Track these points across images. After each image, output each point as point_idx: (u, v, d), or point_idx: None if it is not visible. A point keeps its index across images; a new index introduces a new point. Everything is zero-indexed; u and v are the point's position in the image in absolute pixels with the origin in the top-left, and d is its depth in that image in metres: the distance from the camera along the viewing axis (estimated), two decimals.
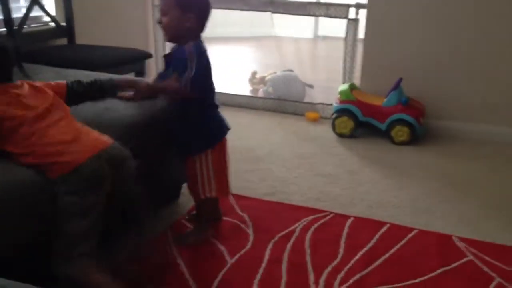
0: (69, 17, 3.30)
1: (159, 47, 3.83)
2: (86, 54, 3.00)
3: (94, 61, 2.80)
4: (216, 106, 1.94)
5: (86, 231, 1.44)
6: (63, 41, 3.35)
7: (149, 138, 1.88)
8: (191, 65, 1.74)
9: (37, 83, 1.61)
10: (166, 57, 1.89)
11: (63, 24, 3.32)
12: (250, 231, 2.05)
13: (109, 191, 1.48)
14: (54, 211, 1.42)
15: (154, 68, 3.86)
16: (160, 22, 1.81)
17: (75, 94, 1.70)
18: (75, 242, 1.42)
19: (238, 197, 2.30)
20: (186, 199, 2.29)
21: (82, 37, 3.34)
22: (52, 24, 3.31)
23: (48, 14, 3.26)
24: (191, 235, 2.01)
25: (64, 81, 1.73)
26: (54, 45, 3.32)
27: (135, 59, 3.14)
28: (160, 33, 3.80)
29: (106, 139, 1.52)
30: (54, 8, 3.42)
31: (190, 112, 1.86)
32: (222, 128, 1.95)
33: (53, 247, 1.43)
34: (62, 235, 1.42)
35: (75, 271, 1.42)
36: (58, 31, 3.31)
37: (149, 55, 3.25)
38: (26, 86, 1.55)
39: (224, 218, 2.13)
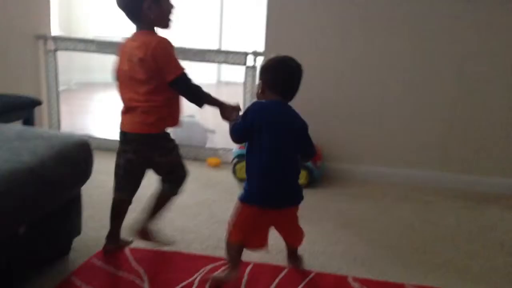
0: None
1: (52, 94, 3.67)
2: None
3: None
4: (260, 173, 1.91)
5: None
6: None
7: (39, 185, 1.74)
8: (240, 116, 1.94)
9: None
10: None
11: None
12: (145, 286, 1.96)
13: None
14: None
15: (46, 115, 3.69)
16: None
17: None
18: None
19: (133, 250, 2.20)
20: (77, 255, 2.15)
21: None
22: None
23: None
24: (222, 275, 2.00)
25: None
26: None
27: (23, 106, 2.98)
28: (53, 81, 3.67)
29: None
30: None
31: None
32: (251, 195, 1.93)
33: None
34: None
35: None
36: None
37: (38, 102, 3.09)
38: None
39: (118, 273, 2.02)
